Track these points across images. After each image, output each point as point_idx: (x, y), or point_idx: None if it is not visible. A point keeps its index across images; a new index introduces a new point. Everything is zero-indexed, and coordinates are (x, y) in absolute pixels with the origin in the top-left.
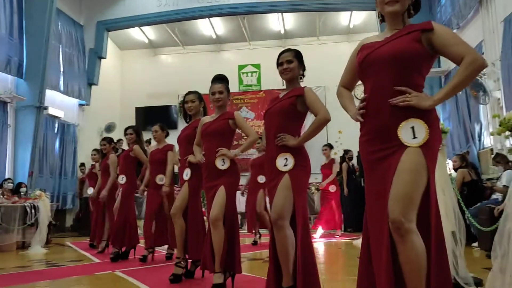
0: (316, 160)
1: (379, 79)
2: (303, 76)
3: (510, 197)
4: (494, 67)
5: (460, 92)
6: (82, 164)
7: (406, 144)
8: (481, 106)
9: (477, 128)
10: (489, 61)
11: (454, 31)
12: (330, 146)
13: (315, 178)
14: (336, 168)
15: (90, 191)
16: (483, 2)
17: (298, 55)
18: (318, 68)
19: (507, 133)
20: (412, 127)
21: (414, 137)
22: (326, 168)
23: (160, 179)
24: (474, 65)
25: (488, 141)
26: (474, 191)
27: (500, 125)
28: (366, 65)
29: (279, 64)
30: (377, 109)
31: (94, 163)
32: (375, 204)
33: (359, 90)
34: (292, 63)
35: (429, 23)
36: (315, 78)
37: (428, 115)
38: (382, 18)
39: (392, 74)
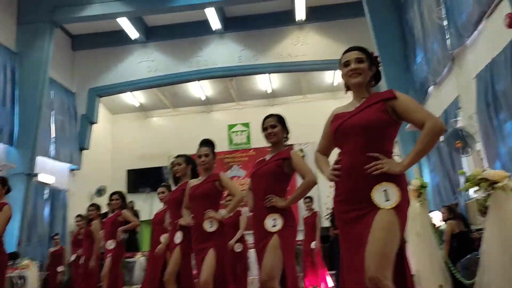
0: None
1: (352, 146)
2: (287, 138)
3: (485, 250)
4: (471, 120)
5: (442, 144)
6: (56, 234)
7: (380, 206)
8: (463, 158)
9: (461, 179)
10: (466, 115)
11: (431, 87)
12: (311, 199)
13: None
14: (319, 220)
15: (73, 257)
16: (455, 60)
17: (281, 119)
18: (306, 125)
19: (476, 188)
20: (385, 190)
21: (387, 200)
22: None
23: None
24: (434, 130)
25: (473, 192)
26: (463, 242)
27: (467, 181)
28: (339, 133)
29: (263, 129)
30: (350, 173)
31: (79, 229)
32: (351, 262)
33: None
34: (276, 128)
35: (391, 92)
36: (304, 134)
37: (398, 179)
38: (347, 88)
39: (363, 142)
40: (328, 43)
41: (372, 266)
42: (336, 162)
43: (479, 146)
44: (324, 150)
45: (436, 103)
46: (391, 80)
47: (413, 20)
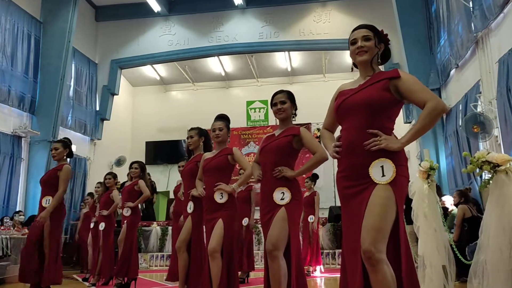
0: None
1: (354, 123)
2: (295, 115)
3: (481, 231)
4: (491, 105)
5: (461, 128)
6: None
7: (375, 181)
8: (480, 143)
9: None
10: (487, 99)
11: (453, 70)
12: (312, 179)
13: (322, 213)
14: (318, 200)
15: (92, 224)
16: (479, 43)
17: (290, 96)
18: (325, 104)
19: (478, 170)
20: (382, 166)
21: (383, 175)
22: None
23: None
24: (436, 110)
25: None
26: (474, 227)
27: (470, 163)
28: (342, 110)
29: (273, 104)
30: (352, 149)
31: (98, 196)
32: (350, 235)
33: None
34: (285, 104)
35: (395, 71)
36: (322, 113)
37: (396, 155)
38: (354, 66)
39: (364, 119)
40: (351, 21)
41: (366, 239)
42: (338, 139)
43: (497, 131)
44: (330, 126)
45: (457, 86)
46: (413, 61)
47: (438, 1)
